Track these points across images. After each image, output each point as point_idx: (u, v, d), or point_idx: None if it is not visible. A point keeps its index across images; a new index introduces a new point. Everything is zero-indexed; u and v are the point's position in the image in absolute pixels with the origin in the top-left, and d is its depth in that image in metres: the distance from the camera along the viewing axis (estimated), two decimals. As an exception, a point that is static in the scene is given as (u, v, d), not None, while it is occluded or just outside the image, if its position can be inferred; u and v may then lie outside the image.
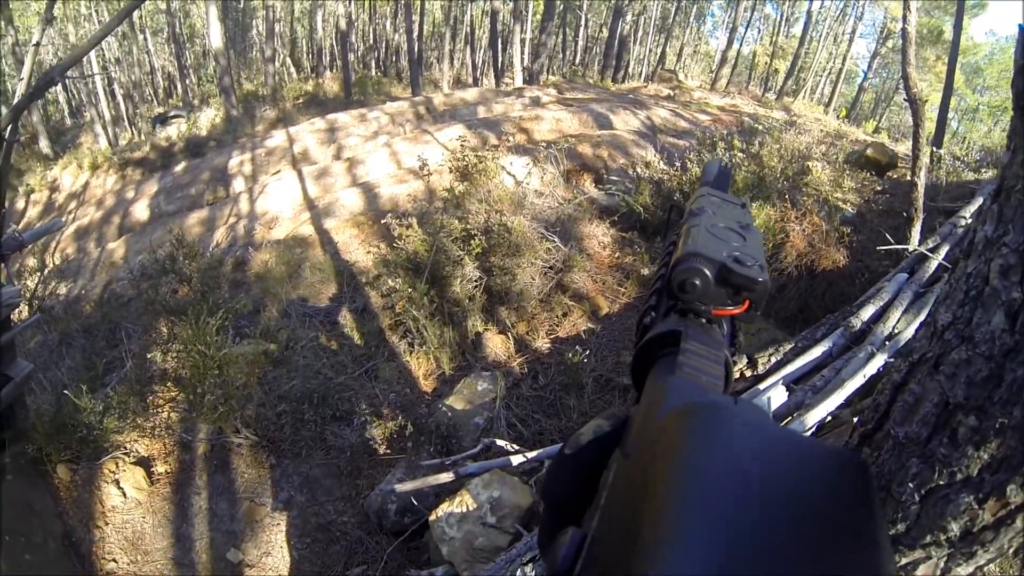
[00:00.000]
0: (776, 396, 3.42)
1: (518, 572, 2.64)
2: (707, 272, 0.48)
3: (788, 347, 4.12)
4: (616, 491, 0.30)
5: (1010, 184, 0.93)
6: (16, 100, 4.25)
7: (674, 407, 0.29)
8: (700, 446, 0.25)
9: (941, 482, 1.06)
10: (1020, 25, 0.85)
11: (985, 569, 1.14)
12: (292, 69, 23.65)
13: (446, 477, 3.53)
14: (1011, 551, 1.12)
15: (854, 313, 4.31)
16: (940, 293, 1.16)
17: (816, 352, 3.94)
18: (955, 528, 1.06)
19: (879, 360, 3.56)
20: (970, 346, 1.02)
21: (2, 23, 15.48)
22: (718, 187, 0.71)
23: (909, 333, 3.92)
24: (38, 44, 4.43)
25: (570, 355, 5.03)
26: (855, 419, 2.42)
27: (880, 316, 4.26)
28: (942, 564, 1.08)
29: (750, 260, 0.49)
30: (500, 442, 3.78)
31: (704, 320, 0.49)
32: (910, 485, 1.09)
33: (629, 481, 0.29)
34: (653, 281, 0.57)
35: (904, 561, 1.10)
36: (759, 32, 34.53)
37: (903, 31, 5.95)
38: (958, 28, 12.66)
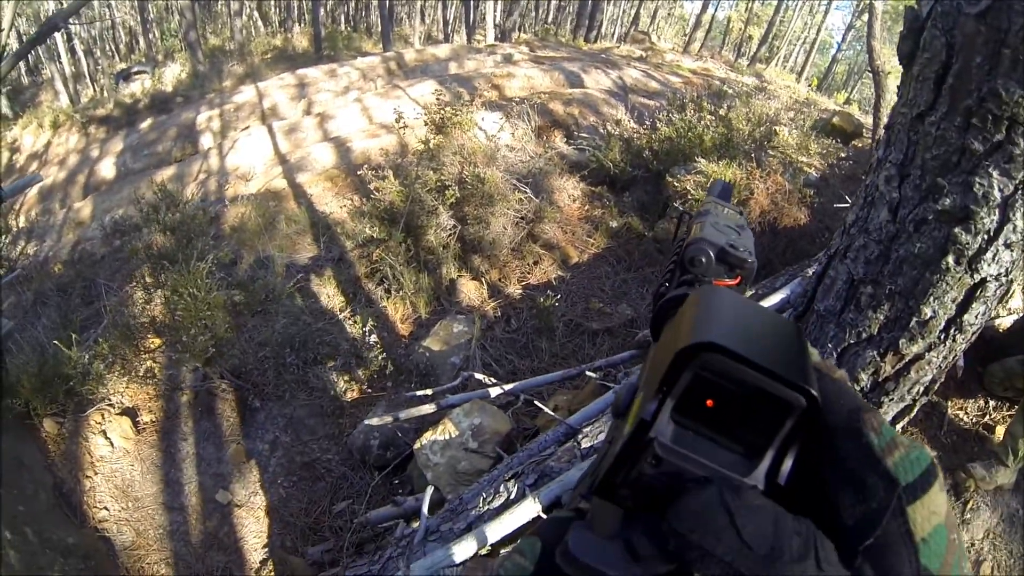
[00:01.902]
0: None
1: (501, 487, 2.85)
2: (711, 252, 0.64)
3: (749, 294, 4.36)
4: (655, 352, 0.46)
5: (894, 120, 1.20)
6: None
7: (693, 292, 0.47)
8: (708, 297, 0.43)
9: (851, 341, 1.33)
10: (907, 4, 1.12)
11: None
12: (260, 23, 23.01)
13: (428, 408, 3.71)
14: (912, 403, 1.40)
15: (810, 265, 4.47)
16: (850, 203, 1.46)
17: (774, 299, 4.15)
18: (865, 378, 1.33)
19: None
20: (866, 235, 1.30)
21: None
22: (722, 198, 0.87)
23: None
24: None
25: (541, 300, 5.22)
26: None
27: (834, 268, 4.50)
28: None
29: (743, 248, 0.65)
30: (479, 376, 3.99)
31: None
32: (829, 346, 1.36)
33: (664, 339, 0.45)
34: (666, 266, 0.73)
35: (828, 412, 1.39)
36: None
37: (870, 5, 6.17)
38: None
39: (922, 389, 1.36)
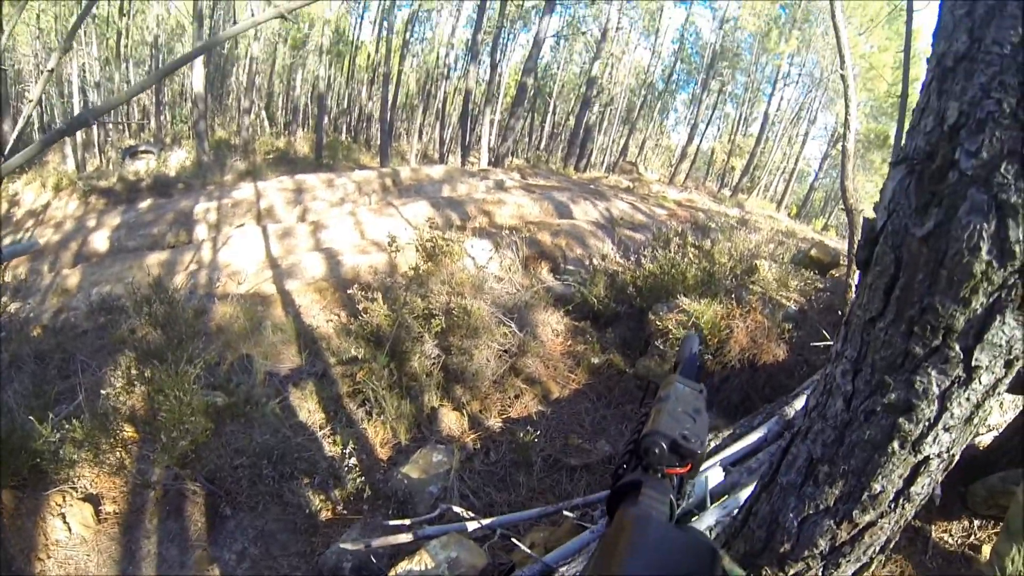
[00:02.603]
0: (713, 476, 3.67)
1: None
2: (663, 444, 0.72)
3: (727, 433, 4.34)
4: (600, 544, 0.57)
5: (850, 319, 1.41)
6: (22, 122, 4.37)
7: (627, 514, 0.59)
8: (635, 536, 0.53)
9: (810, 512, 1.52)
10: (864, 217, 1.37)
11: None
12: (266, 122, 23.89)
13: (405, 537, 3.73)
14: (869, 561, 1.59)
15: (789, 403, 4.52)
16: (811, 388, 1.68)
17: (752, 438, 4.19)
18: (823, 544, 1.51)
19: (808, 445, 3.90)
20: (823, 421, 1.50)
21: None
22: (686, 374, 0.93)
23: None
24: (52, 71, 4.60)
25: (521, 435, 5.31)
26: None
27: (812, 406, 4.62)
28: (820, 573, 1.54)
29: (694, 439, 0.73)
30: (456, 508, 4.03)
31: (659, 475, 0.72)
32: (791, 515, 1.55)
33: (601, 547, 0.55)
34: (626, 443, 0.79)
35: (791, 572, 1.57)
36: (719, 129, 35.11)
37: (843, 148, 6.46)
38: (899, 137, 13.51)
39: (878, 548, 1.52)
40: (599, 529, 3.40)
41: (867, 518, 1.45)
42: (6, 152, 3.93)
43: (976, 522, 3.25)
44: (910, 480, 1.41)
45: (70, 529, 4.46)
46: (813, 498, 1.50)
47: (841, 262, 9.00)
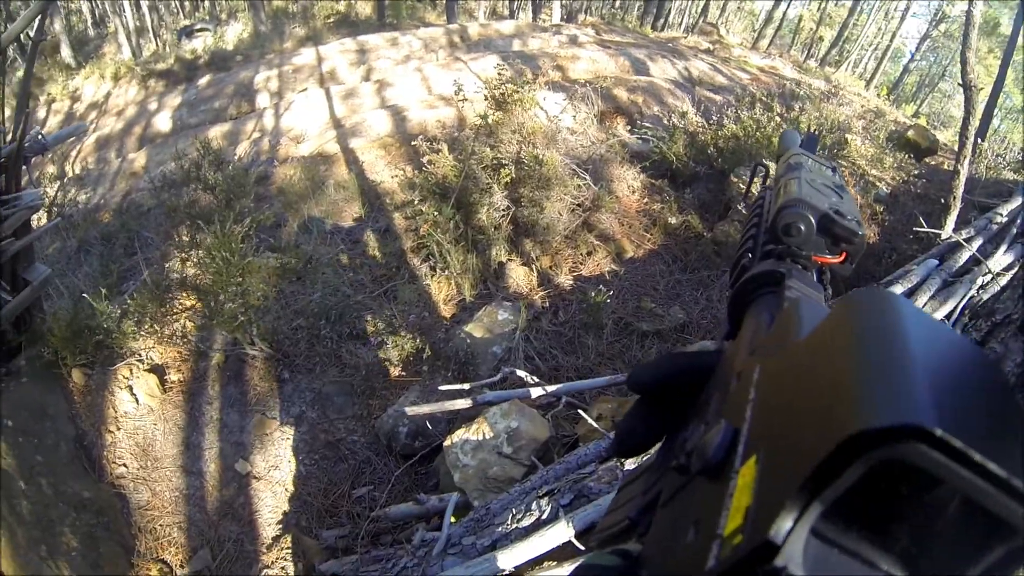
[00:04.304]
0: None
1: (533, 504, 2.59)
2: (811, 219, 0.52)
3: None
4: (773, 386, 0.30)
5: None
6: None
7: (843, 301, 0.30)
8: (870, 319, 0.26)
9: None
10: None
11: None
12: (326, -16, 22.96)
13: (463, 403, 3.47)
14: None
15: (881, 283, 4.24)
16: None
17: None
18: None
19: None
20: None
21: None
22: (808, 149, 0.73)
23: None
24: None
25: (592, 294, 4.94)
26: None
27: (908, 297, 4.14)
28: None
29: (850, 215, 0.52)
30: (520, 373, 3.71)
31: (801, 266, 0.52)
32: None
33: (792, 374, 0.29)
34: (747, 225, 0.61)
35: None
36: None
37: (968, 12, 5.79)
38: (1018, 23, 12.04)
39: None
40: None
41: None
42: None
43: None
44: None
45: (137, 400, 4.49)
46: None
47: (939, 151, 8.29)
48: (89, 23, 21.72)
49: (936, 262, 4.73)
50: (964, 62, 5.83)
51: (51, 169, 9.73)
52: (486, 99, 6.56)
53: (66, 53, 16.85)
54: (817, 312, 0.33)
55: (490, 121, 6.19)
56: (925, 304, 4.09)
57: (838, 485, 0.22)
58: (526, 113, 6.39)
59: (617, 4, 26.53)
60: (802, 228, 0.52)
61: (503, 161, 5.67)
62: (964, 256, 4.76)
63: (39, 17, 3.91)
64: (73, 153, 10.72)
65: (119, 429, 4.35)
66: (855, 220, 0.52)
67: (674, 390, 0.42)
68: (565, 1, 17.86)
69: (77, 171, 10.02)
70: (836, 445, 0.22)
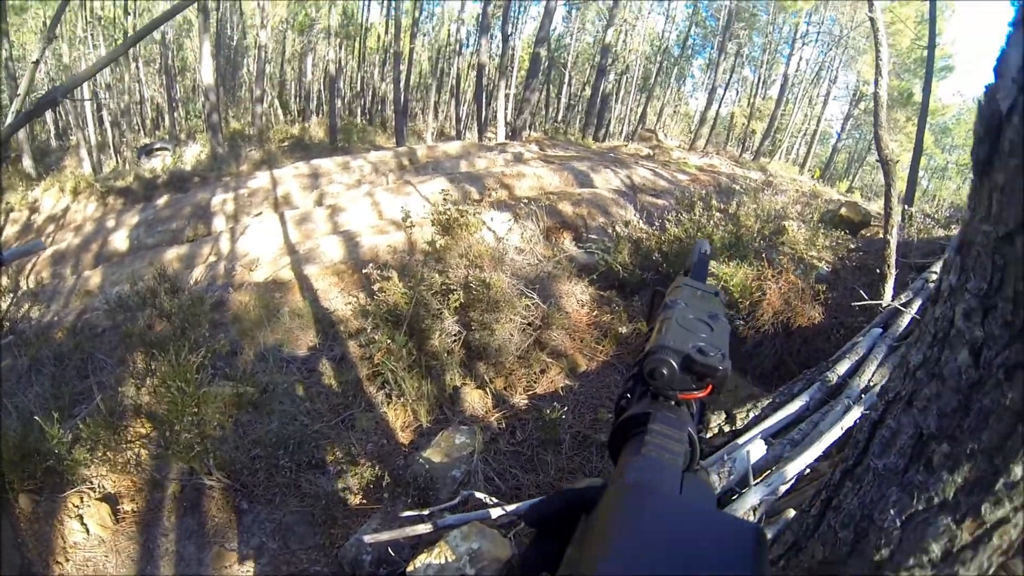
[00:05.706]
0: (755, 450, 3.45)
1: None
2: (673, 363, 0.57)
3: (766, 402, 4.13)
4: (585, 531, 0.42)
5: (970, 238, 1.05)
6: (11, 117, 4.23)
7: (620, 483, 0.42)
8: (625, 514, 0.37)
9: (920, 507, 1.16)
10: (978, 100, 0.94)
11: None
12: (279, 111, 23.82)
13: (424, 528, 3.52)
14: (990, 569, 1.20)
15: (830, 368, 4.35)
16: (912, 338, 1.24)
17: (794, 407, 3.95)
18: (936, 550, 1.14)
19: (856, 413, 3.58)
20: (939, 382, 1.12)
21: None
22: (697, 276, 0.80)
23: (885, 385, 3.99)
24: (37, 62, 4.42)
25: (548, 411, 5.07)
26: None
27: (856, 370, 4.31)
28: (929, 584, 1.17)
29: (713, 350, 0.57)
30: (479, 495, 3.79)
31: (672, 403, 0.58)
32: (891, 512, 1.19)
33: (591, 526, 0.40)
34: (631, 367, 0.64)
35: (889, 585, 1.19)
36: (737, 93, 34.71)
37: (875, 95, 6.06)
38: (927, 91, 12.76)
39: (1002, 551, 1.15)
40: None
41: (999, 513, 1.07)
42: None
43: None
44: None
45: (88, 530, 4.36)
46: (924, 489, 1.14)
47: (872, 222, 8.67)
48: (52, 134, 21.90)
49: (880, 330, 4.91)
50: (878, 139, 6.10)
51: (4, 281, 9.61)
52: (433, 224, 6.88)
53: (27, 163, 17.02)
54: (641, 471, 0.46)
55: (438, 246, 6.48)
56: (875, 371, 4.24)
57: None
58: (472, 236, 6.71)
59: (560, 117, 28.06)
60: (664, 373, 0.57)
61: (451, 286, 5.87)
62: (906, 319, 4.96)
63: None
64: (28, 266, 10.64)
65: (68, 560, 4.20)
66: (719, 354, 0.57)
67: (563, 522, 0.47)
68: (510, 119, 18.77)
69: (31, 285, 9.92)
70: None
